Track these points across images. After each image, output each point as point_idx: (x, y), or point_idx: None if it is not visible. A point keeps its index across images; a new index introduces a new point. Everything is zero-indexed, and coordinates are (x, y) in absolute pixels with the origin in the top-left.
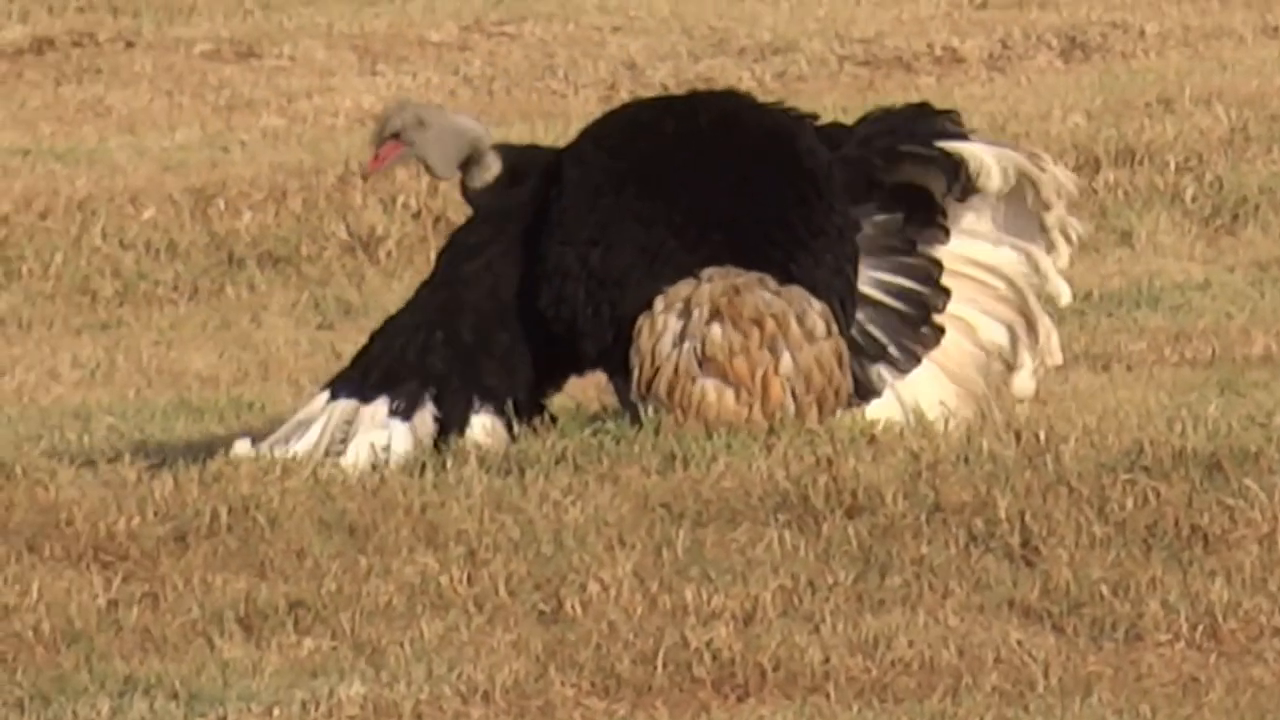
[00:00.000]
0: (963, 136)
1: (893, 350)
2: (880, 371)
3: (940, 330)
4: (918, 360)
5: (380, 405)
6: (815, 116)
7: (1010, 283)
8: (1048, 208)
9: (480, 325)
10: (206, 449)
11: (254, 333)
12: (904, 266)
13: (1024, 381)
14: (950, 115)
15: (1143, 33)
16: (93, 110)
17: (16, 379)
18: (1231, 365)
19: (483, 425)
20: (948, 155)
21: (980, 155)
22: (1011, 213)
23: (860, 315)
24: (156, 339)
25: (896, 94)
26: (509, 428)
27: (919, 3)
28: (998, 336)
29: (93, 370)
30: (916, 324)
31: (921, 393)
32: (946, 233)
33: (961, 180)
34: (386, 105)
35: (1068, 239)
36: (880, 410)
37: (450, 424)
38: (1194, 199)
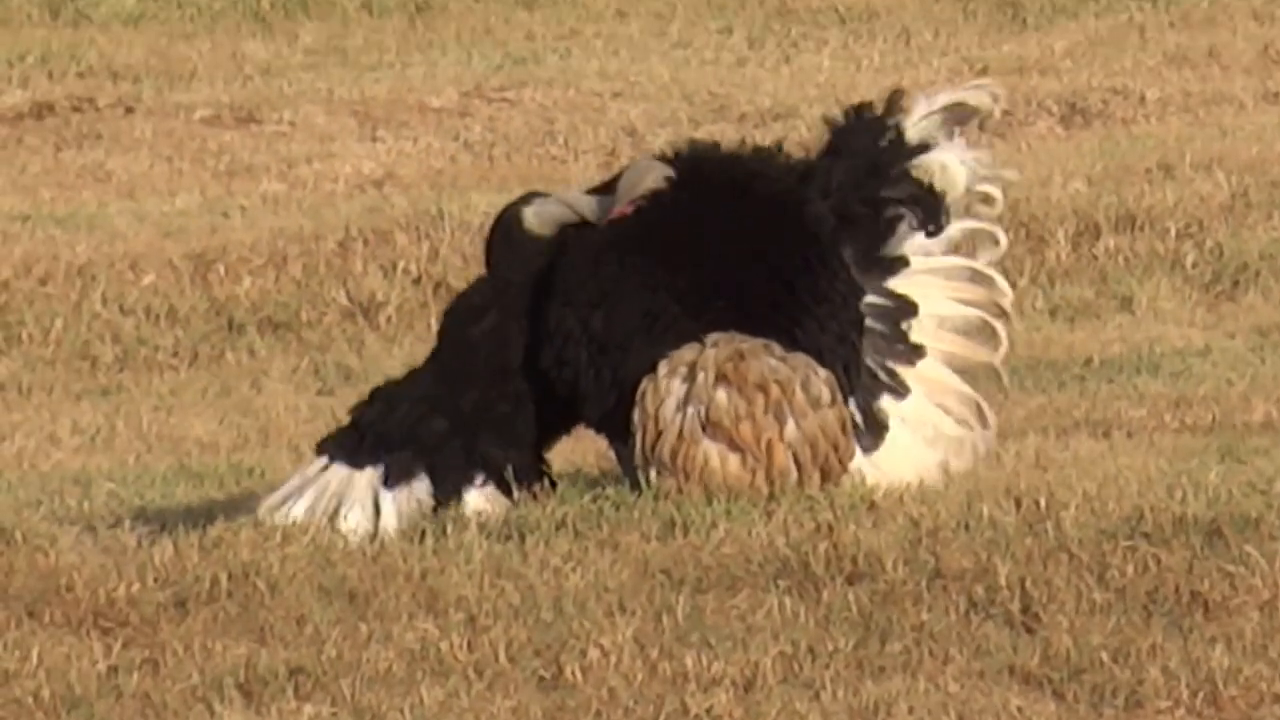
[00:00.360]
0: (925, 148)
1: (884, 377)
2: (878, 398)
3: (917, 349)
4: (904, 384)
5: (375, 473)
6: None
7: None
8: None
9: (481, 393)
10: (207, 515)
11: (254, 398)
12: (878, 288)
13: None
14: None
15: (1143, 99)
16: (93, 175)
17: (16, 444)
18: (1232, 431)
19: (481, 495)
20: (924, 189)
21: (946, 165)
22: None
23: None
24: (156, 405)
25: None
26: (508, 494)
27: (919, 68)
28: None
29: (93, 436)
30: (896, 342)
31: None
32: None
33: (939, 211)
34: (638, 164)
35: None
36: (891, 450)
37: (446, 495)
38: (1194, 265)
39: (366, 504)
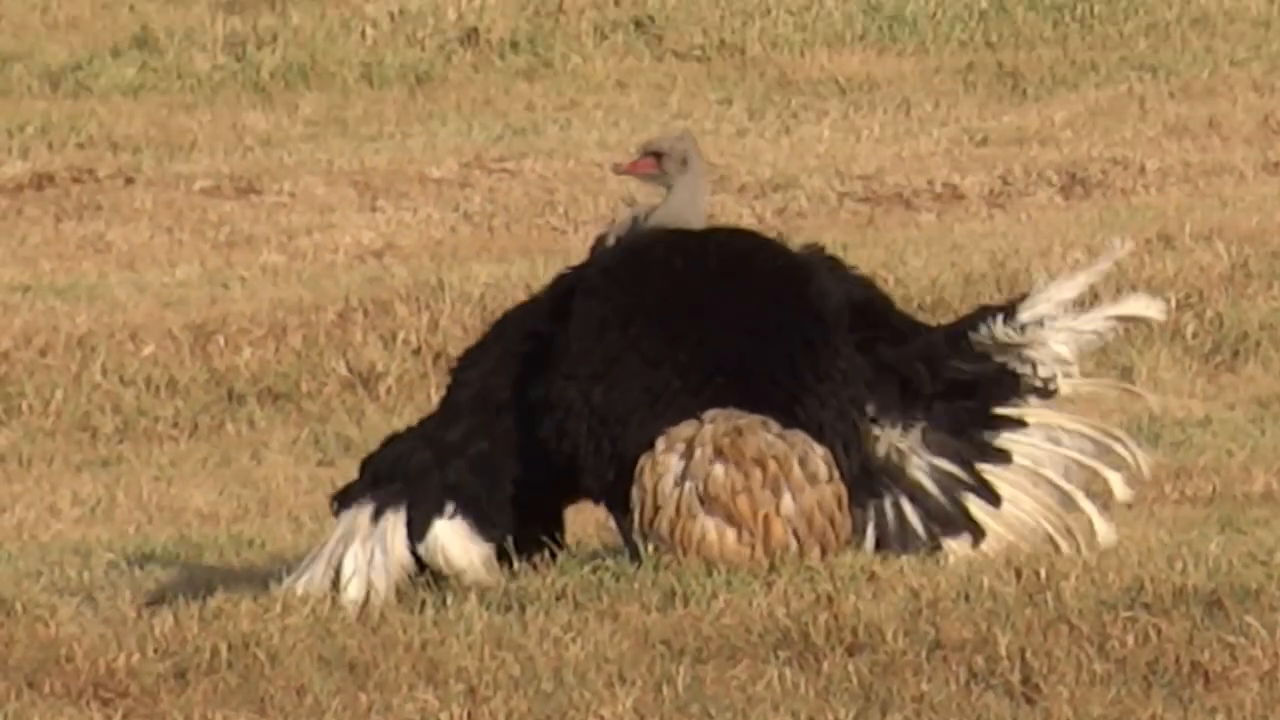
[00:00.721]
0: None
1: (924, 537)
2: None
3: (980, 532)
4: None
5: (366, 508)
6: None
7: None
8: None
9: (466, 428)
10: (207, 585)
11: (254, 469)
12: (960, 458)
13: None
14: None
15: (1143, 169)
16: (93, 246)
17: (17, 515)
18: (1232, 502)
19: (449, 527)
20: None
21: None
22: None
23: (904, 500)
24: (157, 475)
25: (896, 230)
26: (480, 528)
27: (919, 139)
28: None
29: (93, 506)
30: (952, 520)
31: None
32: (1016, 427)
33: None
34: (671, 127)
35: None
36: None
37: (419, 524)
38: (1195, 335)
39: (368, 540)
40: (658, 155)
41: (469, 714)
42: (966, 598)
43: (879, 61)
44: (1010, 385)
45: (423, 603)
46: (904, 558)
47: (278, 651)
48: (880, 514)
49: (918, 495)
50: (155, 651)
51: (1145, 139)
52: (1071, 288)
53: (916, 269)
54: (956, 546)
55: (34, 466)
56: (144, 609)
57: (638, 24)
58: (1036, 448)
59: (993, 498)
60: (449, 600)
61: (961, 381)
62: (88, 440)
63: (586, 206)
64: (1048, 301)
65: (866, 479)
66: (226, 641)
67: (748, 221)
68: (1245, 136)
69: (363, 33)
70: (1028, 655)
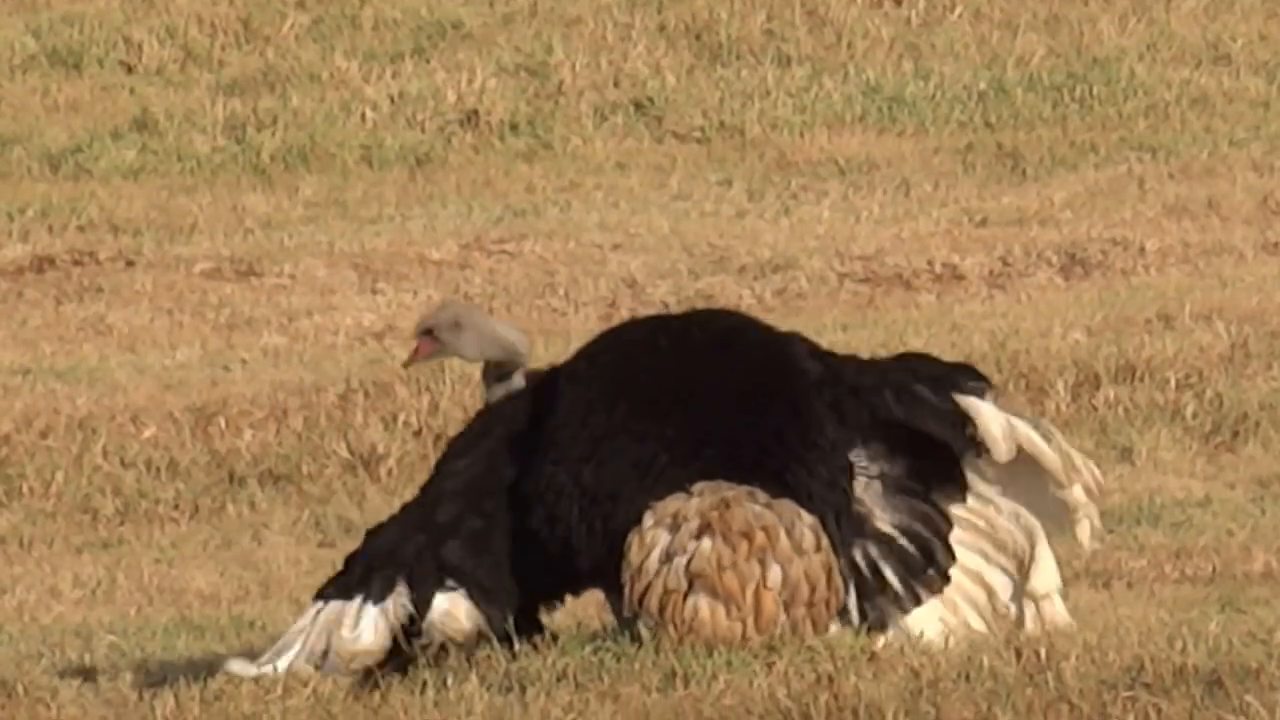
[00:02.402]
0: (980, 394)
1: (899, 589)
2: (885, 607)
3: (945, 577)
4: (919, 600)
5: (359, 598)
6: (820, 351)
7: (1014, 543)
8: (1060, 487)
9: (455, 511)
10: (208, 668)
11: (255, 551)
12: (920, 513)
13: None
14: (978, 376)
15: (1143, 249)
16: (93, 329)
17: (17, 597)
18: (1232, 582)
19: (452, 602)
20: (956, 408)
21: (988, 417)
22: (1023, 486)
23: (874, 551)
24: (158, 557)
25: (896, 311)
26: (478, 604)
27: (919, 220)
28: (999, 585)
29: (94, 588)
30: (924, 569)
31: (922, 622)
32: (963, 491)
33: (968, 438)
34: (431, 302)
35: (1090, 523)
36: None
37: (421, 602)
38: (1194, 415)
39: (362, 622)
40: (429, 332)
41: None
42: (967, 677)
43: (878, 142)
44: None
45: (424, 683)
46: (905, 639)
47: None
48: (855, 568)
49: (888, 544)
50: None
51: (1145, 219)
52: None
53: (917, 350)
54: (927, 598)
55: (35, 548)
56: (145, 691)
57: (637, 105)
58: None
59: (948, 552)
60: (449, 681)
61: (918, 421)
62: (88, 522)
63: (587, 288)
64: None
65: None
66: None
67: (748, 303)
68: (1245, 217)
69: (362, 115)
70: None
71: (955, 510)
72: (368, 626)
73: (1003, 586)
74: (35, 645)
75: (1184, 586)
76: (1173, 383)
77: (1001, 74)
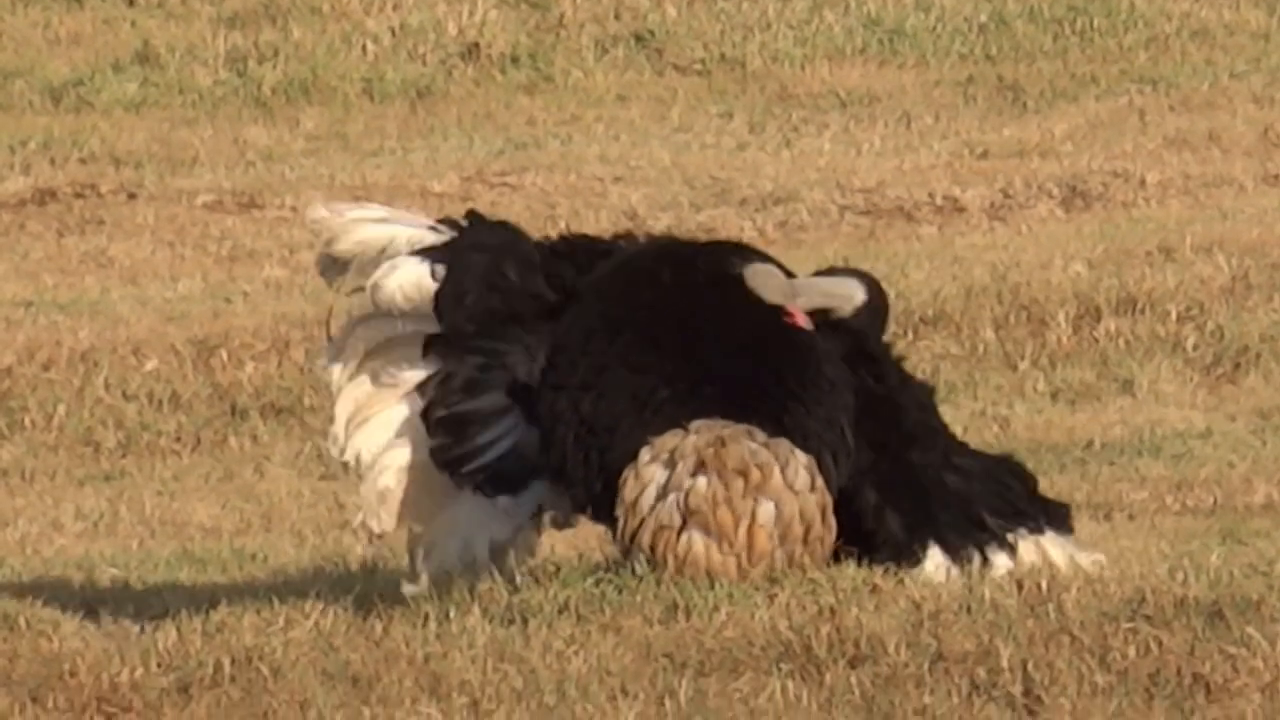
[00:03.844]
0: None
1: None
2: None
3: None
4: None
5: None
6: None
7: None
8: None
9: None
10: (210, 599)
11: (257, 484)
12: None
13: None
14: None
15: (1143, 182)
16: (95, 261)
17: (19, 530)
18: (1233, 514)
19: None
20: None
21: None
22: None
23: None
24: (159, 490)
25: (898, 244)
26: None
27: (920, 153)
28: None
29: (95, 521)
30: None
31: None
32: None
33: None
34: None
35: None
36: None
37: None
38: (1195, 348)
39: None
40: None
41: None
42: (968, 610)
43: (879, 75)
44: None
45: (425, 616)
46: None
47: (281, 665)
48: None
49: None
50: (158, 666)
51: (1145, 152)
52: None
53: (918, 282)
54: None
55: (36, 481)
56: (147, 623)
57: (638, 38)
58: None
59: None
60: (452, 613)
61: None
62: (90, 455)
63: (588, 220)
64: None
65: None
66: (229, 656)
67: (749, 235)
68: (1245, 149)
69: (364, 48)
70: (1029, 667)
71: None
72: None
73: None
74: (37, 578)
75: (1185, 518)
76: (1173, 315)
77: (1002, 6)
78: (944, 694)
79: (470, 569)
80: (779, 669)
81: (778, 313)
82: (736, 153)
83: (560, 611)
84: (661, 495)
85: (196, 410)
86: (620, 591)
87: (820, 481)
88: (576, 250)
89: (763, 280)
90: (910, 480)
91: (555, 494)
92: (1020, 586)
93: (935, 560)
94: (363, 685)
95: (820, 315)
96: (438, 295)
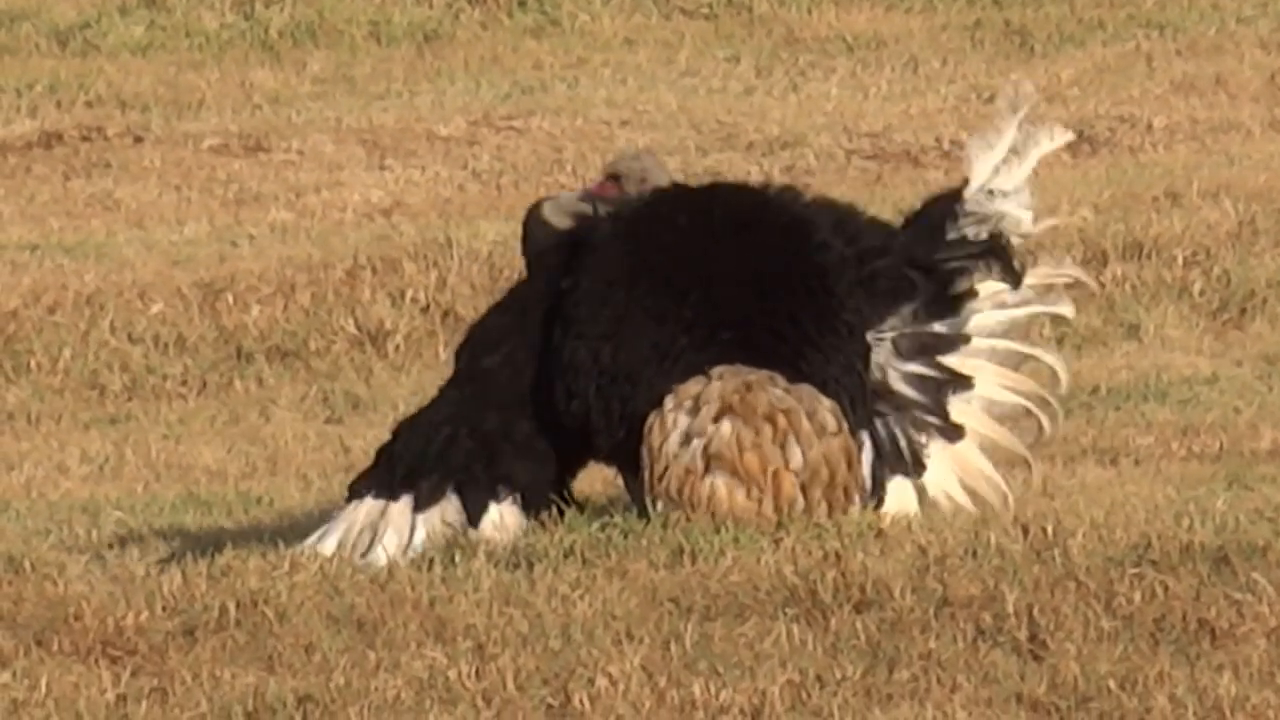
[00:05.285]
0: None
1: (908, 451)
2: (899, 472)
3: (957, 428)
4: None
5: (406, 501)
6: (848, 212)
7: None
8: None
9: (502, 417)
10: (215, 543)
11: (262, 427)
12: (932, 361)
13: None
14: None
15: (1150, 127)
16: (101, 205)
17: (25, 473)
18: (1239, 459)
19: (504, 513)
20: (990, 245)
21: (1005, 214)
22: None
23: (888, 413)
24: (165, 433)
25: (905, 188)
26: (531, 512)
27: (926, 97)
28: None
29: (101, 465)
30: (934, 416)
31: (934, 484)
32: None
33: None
34: (629, 147)
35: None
36: (894, 504)
37: (474, 513)
38: (1201, 293)
39: (402, 530)
40: (615, 177)
41: (477, 671)
42: (974, 554)
43: (886, 19)
44: (976, 265)
45: (430, 560)
46: (911, 514)
47: (286, 609)
48: (875, 435)
49: (903, 406)
50: (164, 609)
51: (1152, 96)
52: (1001, 151)
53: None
54: (937, 451)
55: (42, 424)
56: (152, 567)
57: None
58: (991, 318)
59: (965, 384)
60: (457, 558)
61: (941, 272)
62: (96, 398)
63: (594, 164)
64: (990, 171)
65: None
66: (235, 599)
67: (756, 179)
68: (1252, 94)
69: None
70: (1035, 612)
71: (973, 353)
72: (420, 539)
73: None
74: (43, 521)
75: (1191, 464)
76: (1180, 260)
77: None
78: (949, 639)
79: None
80: (784, 614)
81: (795, 251)
82: (743, 97)
83: (566, 556)
84: (685, 441)
85: (202, 354)
86: (626, 536)
87: (845, 426)
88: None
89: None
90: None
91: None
92: (1026, 531)
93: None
94: (368, 629)
95: None
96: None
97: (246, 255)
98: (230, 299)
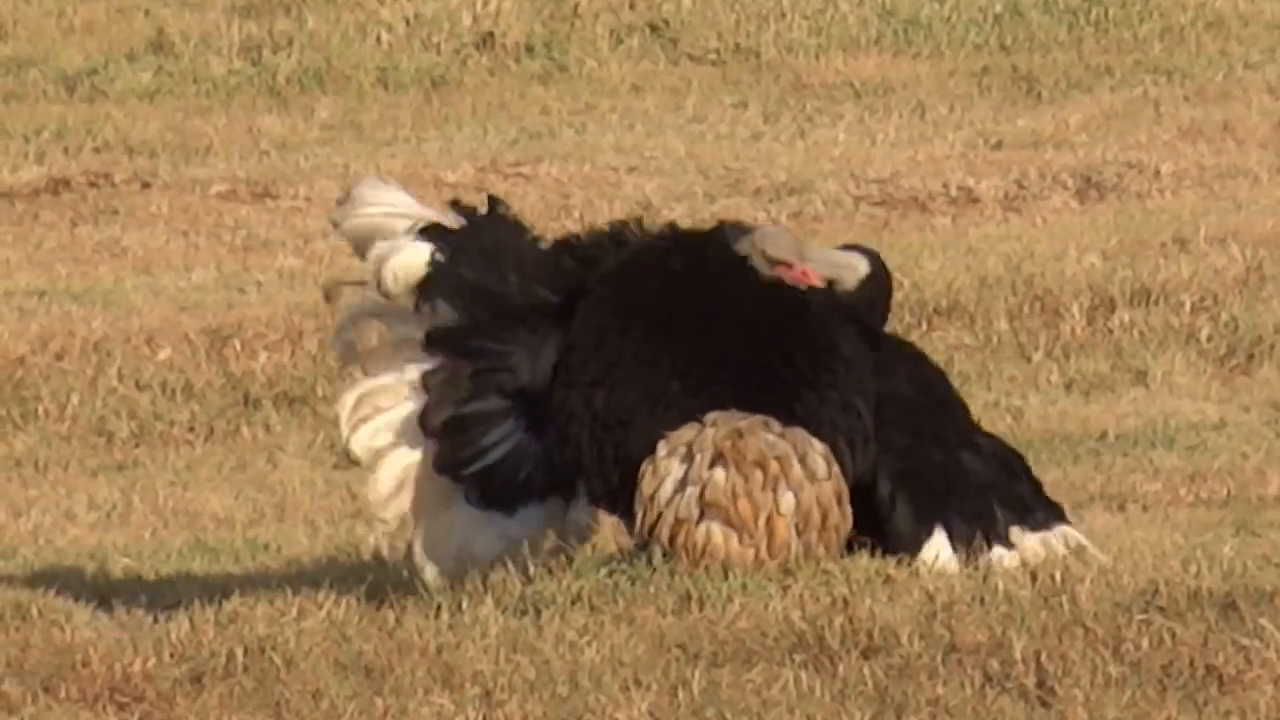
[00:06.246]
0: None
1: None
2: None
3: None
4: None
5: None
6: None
7: None
8: None
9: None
10: (222, 590)
11: (270, 473)
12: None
13: None
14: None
15: (1158, 173)
16: (109, 251)
17: (33, 520)
18: (1247, 505)
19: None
20: None
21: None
22: None
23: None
24: (172, 480)
25: (912, 234)
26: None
27: (934, 143)
28: None
29: (109, 511)
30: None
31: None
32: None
33: None
34: (777, 232)
35: None
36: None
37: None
38: (1209, 339)
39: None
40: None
41: (484, 718)
42: (981, 601)
43: (894, 65)
44: None
45: (438, 607)
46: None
47: (293, 656)
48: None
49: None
50: (171, 656)
51: (1160, 142)
52: None
53: (932, 272)
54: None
55: (50, 471)
56: (160, 613)
57: (653, 28)
58: None
59: None
60: (464, 604)
61: None
62: (103, 445)
63: (602, 210)
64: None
65: None
66: (242, 646)
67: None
68: (1260, 140)
69: (378, 37)
70: (1043, 659)
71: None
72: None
73: None
74: (50, 568)
75: (1198, 510)
76: (1188, 306)
77: None
78: (957, 685)
79: (463, 572)
80: (792, 660)
81: (788, 292)
82: (751, 143)
83: (573, 602)
84: (680, 488)
85: (210, 400)
86: (633, 582)
87: (836, 469)
88: (580, 249)
89: (773, 240)
90: (923, 466)
91: (554, 513)
92: (1034, 578)
93: (938, 547)
94: (375, 676)
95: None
96: (427, 282)
97: (254, 302)
98: (238, 345)
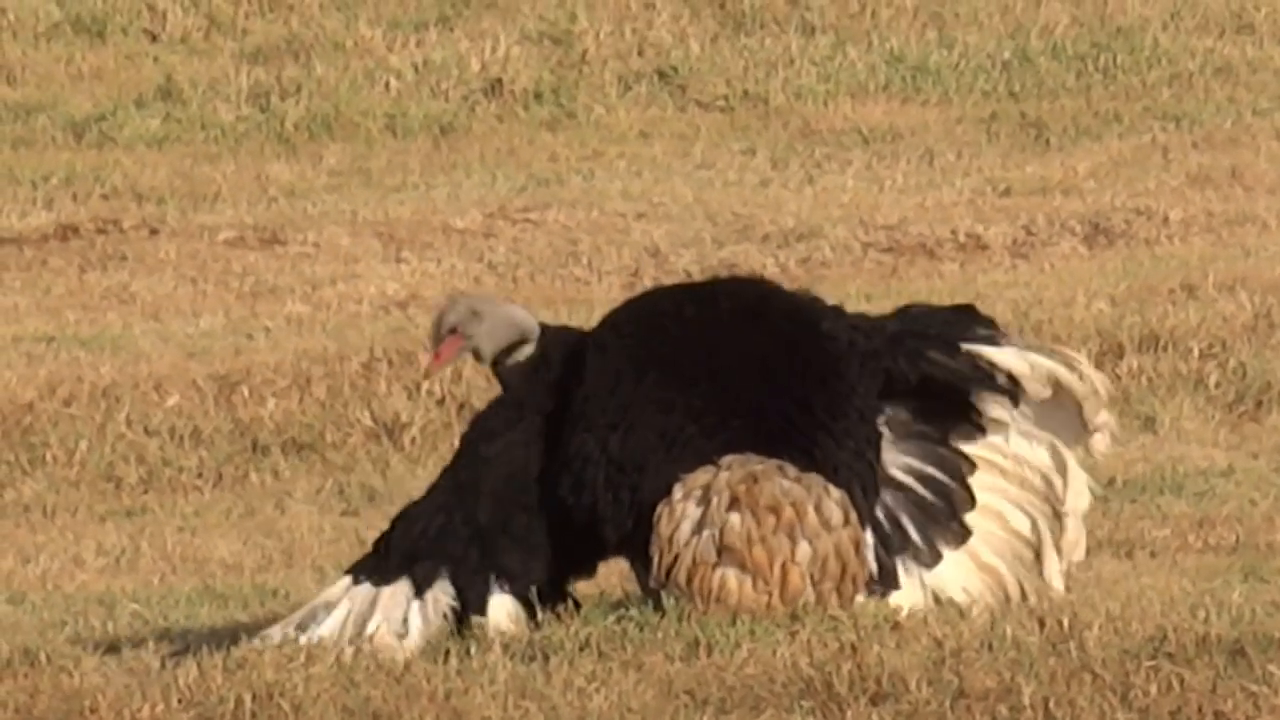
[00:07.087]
0: (994, 341)
1: (919, 541)
2: (905, 562)
3: (966, 528)
4: (940, 555)
5: (400, 587)
6: (839, 308)
7: (1042, 476)
8: (1089, 418)
9: (498, 507)
10: (231, 636)
11: (278, 520)
12: (935, 457)
13: (1053, 573)
14: (984, 321)
15: (1166, 219)
16: (117, 297)
17: (41, 566)
18: (1255, 552)
19: (500, 606)
20: (974, 362)
21: (1009, 361)
22: (1044, 409)
23: (889, 500)
24: (181, 526)
25: (920, 280)
26: (529, 610)
27: (942, 189)
28: (1024, 527)
29: (117, 557)
30: (944, 517)
31: (947, 581)
32: (981, 430)
33: (993, 384)
34: (438, 300)
35: (1111, 437)
36: (903, 598)
37: (468, 604)
38: (1217, 385)
39: (394, 617)
40: (453, 330)
41: None
42: (990, 647)
43: (902, 111)
44: (978, 386)
45: (446, 652)
46: (928, 609)
47: (302, 702)
48: (875, 522)
49: (906, 492)
50: (179, 702)
51: (1168, 189)
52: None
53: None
54: (949, 553)
55: (58, 517)
56: (168, 659)
57: (661, 75)
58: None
59: (970, 499)
60: (473, 650)
61: (933, 377)
62: (112, 491)
63: (610, 257)
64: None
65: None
66: (251, 692)
67: (772, 272)
68: (1268, 186)
69: (386, 84)
70: (1051, 705)
71: (975, 450)
72: (416, 627)
73: (1027, 529)
74: (58, 614)
75: (1207, 556)
76: (1196, 352)
77: (1025, 43)
78: None
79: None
80: (800, 706)
81: (804, 335)
82: (759, 189)
83: (582, 648)
84: (696, 531)
85: (218, 446)
86: (642, 629)
87: (854, 517)
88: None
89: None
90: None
91: None
92: (1042, 624)
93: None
94: None
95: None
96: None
97: (262, 348)
98: (246, 391)
